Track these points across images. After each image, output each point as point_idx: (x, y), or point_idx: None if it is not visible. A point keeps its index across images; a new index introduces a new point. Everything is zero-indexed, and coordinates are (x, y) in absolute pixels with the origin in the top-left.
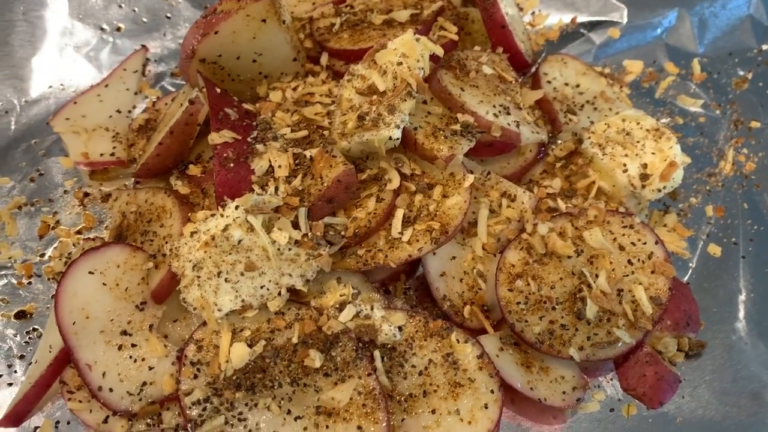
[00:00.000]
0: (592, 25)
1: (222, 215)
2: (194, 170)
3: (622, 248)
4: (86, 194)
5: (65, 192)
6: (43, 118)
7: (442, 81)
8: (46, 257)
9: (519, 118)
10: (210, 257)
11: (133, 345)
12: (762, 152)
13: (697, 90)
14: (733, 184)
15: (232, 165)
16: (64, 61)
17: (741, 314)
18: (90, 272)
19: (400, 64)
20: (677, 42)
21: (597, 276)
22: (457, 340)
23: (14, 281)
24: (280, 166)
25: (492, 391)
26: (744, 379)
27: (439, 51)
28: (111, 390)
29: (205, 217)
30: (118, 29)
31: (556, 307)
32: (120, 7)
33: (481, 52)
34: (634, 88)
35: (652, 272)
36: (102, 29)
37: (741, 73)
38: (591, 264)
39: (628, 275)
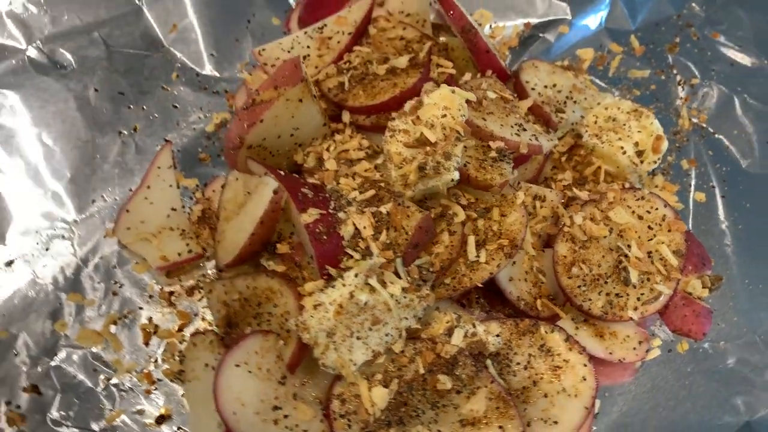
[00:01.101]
0: (544, 26)
1: (343, 284)
2: (283, 248)
3: (640, 218)
4: (171, 293)
5: (150, 297)
6: (99, 233)
7: (468, 117)
8: (159, 361)
9: (533, 130)
10: (342, 322)
11: (286, 416)
12: (707, 103)
13: (641, 62)
14: (695, 136)
15: (325, 237)
16: (97, 175)
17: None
18: (236, 365)
19: (444, 116)
20: (615, 24)
21: (629, 246)
22: (545, 332)
23: (141, 391)
24: (365, 227)
25: (584, 365)
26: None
27: (472, 97)
28: None
29: (317, 289)
30: (135, 129)
31: (607, 281)
32: (129, 108)
33: (479, 80)
34: (591, 73)
35: (669, 231)
36: (120, 133)
37: (670, 39)
38: (621, 237)
39: (651, 239)
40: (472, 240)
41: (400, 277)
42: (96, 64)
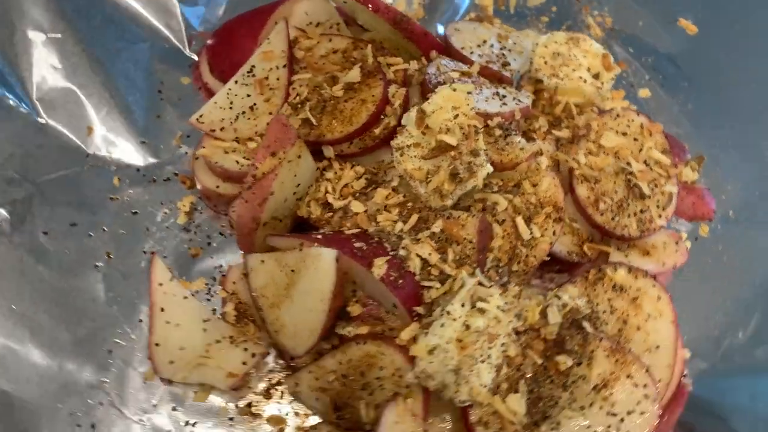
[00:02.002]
0: None
1: (453, 319)
2: (356, 310)
3: (624, 134)
4: (249, 405)
5: (231, 419)
6: (133, 382)
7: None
8: None
9: (508, 92)
10: (466, 356)
11: None
12: (605, 5)
13: None
14: (610, 40)
15: (401, 281)
16: (97, 324)
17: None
18: None
19: (457, 116)
20: None
21: (629, 164)
22: (611, 272)
23: None
24: (429, 254)
25: (653, 286)
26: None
27: (471, 87)
28: None
29: (413, 334)
30: (108, 256)
31: (629, 202)
32: (90, 236)
33: (435, 61)
34: (499, 15)
35: (650, 135)
36: (96, 266)
37: None
38: (619, 159)
39: (641, 149)
40: (520, 220)
41: (488, 287)
42: (30, 205)
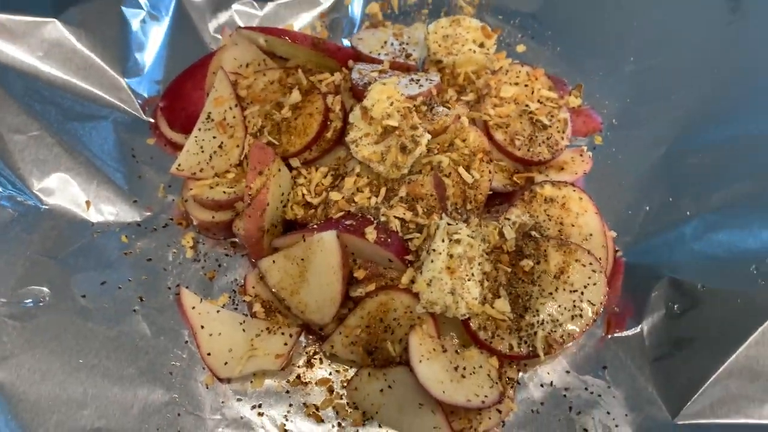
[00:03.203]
0: (331, 9)
1: (439, 253)
2: (361, 273)
3: (516, 84)
4: (298, 377)
5: (287, 392)
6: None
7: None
8: (343, 426)
9: (420, 76)
10: (457, 278)
11: (464, 368)
12: None
13: None
14: (480, 13)
15: (389, 240)
16: (150, 356)
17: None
18: (420, 361)
19: (392, 103)
20: None
21: (527, 105)
22: (539, 189)
23: None
24: (404, 214)
25: (574, 190)
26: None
27: (395, 80)
28: None
29: (412, 276)
30: (141, 299)
31: (536, 135)
32: (119, 288)
33: (355, 69)
34: (388, 18)
35: (536, 79)
36: (135, 311)
37: None
38: (518, 103)
39: (533, 91)
40: (462, 170)
41: (456, 224)
42: (63, 277)
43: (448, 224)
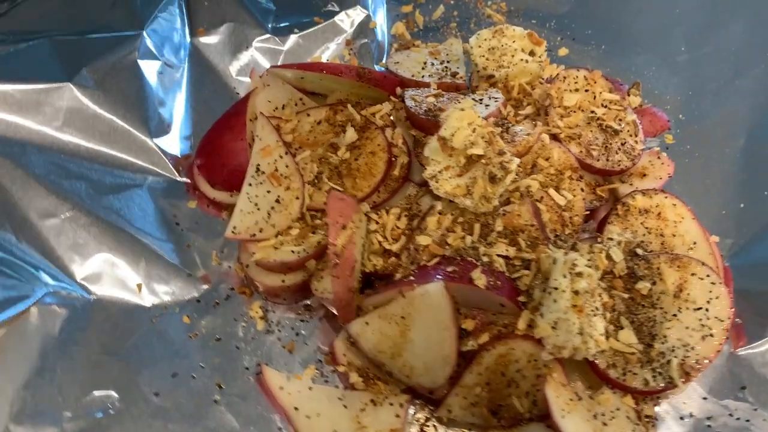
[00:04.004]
0: (356, 34)
1: (562, 291)
2: (469, 324)
3: (577, 90)
4: None
5: None
6: None
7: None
8: None
9: (483, 95)
10: (584, 315)
11: (603, 414)
12: None
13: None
14: (511, 20)
15: (498, 283)
16: None
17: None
18: (562, 417)
19: (474, 129)
20: None
21: (593, 111)
22: (631, 201)
23: None
24: (507, 250)
25: (666, 197)
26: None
27: (471, 103)
28: None
29: (528, 320)
30: (216, 402)
31: (610, 142)
32: (202, 368)
33: (406, 95)
34: (416, 37)
35: (595, 82)
36: (216, 402)
37: None
38: (583, 110)
39: (595, 96)
40: (553, 192)
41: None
42: (129, 376)
43: (564, 255)
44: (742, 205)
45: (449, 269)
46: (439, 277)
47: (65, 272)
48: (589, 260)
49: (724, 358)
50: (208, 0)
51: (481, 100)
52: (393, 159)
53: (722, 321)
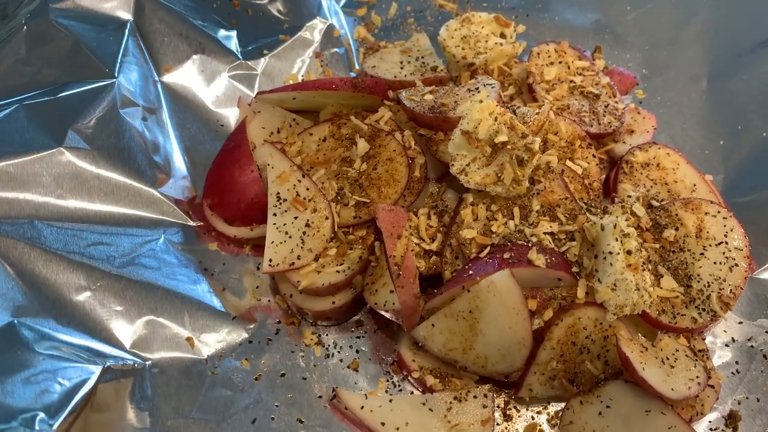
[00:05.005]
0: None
1: (617, 253)
2: (532, 304)
3: (552, 63)
4: None
5: None
6: None
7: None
8: None
9: (475, 84)
10: (637, 272)
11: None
12: None
13: None
14: (464, 4)
15: (553, 259)
16: None
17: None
18: (643, 368)
19: (495, 118)
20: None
21: (572, 81)
22: (632, 158)
23: None
24: (550, 226)
25: (659, 148)
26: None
27: (486, 92)
28: None
29: (586, 287)
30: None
31: (595, 107)
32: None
33: (402, 97)
34: (379, 38)
35: (564, 53)
36: None
37: None
38: (563, 81)
39: (569, 66)
40: (570, 163)
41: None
42: None
43: (609, 219)
44: (721, 142)
45: (505, 256)
46: (498, 265)
47: (114, 344)
48: (626, 220)
49: (745, 284)
50: (167, 36)
51: (477, 89)
52: (411, 161)
53: (741, 249)
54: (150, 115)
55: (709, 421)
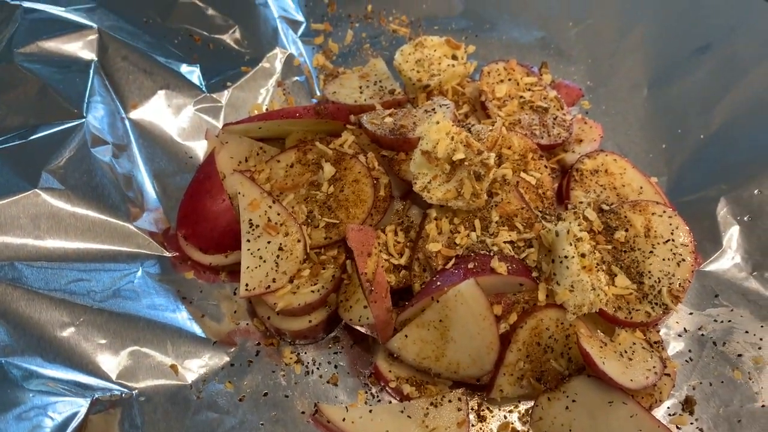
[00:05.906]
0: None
1: (571, 257)
2: (498, 309)
3: (502, 81)
4: None
5: None
6: None
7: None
8: None
9: (431, 105)
10: (590, 274)
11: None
12: (394, 8)
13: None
14: (416, 29)
15: (514, 266)
16: None
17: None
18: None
19: (452, 138)
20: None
21: (521, 96)
22: (582, 166)
23: None
24: (509, 235)
25: (606, 154)
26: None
27: (442, 113)
28: None
29: (546, 289)
30: None
31: (545, 119)
32: (262, 426)
33: (363, 120)
34: (336, 64)
35: (513, 70)
36: None
37: None
38: (513, 98)
39: (518, 82)
40: (524, 174)
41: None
42: None
43: (560, 226)
44: (664, 146)
45: (470, 266)
46: (464, 274)
47: (101, 376)
48: (579, 225)
49: (693, 277)
50: (132, 73)
51: (433, 109)
52: (376, 182)
53: (687, 245)
54: (120, 151)
55: (668, 407)
